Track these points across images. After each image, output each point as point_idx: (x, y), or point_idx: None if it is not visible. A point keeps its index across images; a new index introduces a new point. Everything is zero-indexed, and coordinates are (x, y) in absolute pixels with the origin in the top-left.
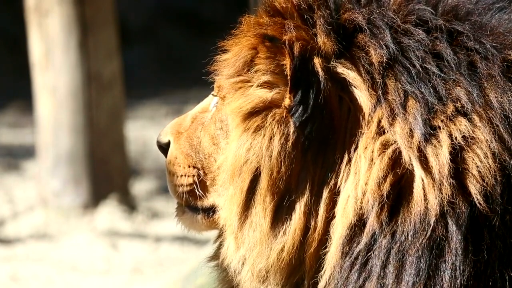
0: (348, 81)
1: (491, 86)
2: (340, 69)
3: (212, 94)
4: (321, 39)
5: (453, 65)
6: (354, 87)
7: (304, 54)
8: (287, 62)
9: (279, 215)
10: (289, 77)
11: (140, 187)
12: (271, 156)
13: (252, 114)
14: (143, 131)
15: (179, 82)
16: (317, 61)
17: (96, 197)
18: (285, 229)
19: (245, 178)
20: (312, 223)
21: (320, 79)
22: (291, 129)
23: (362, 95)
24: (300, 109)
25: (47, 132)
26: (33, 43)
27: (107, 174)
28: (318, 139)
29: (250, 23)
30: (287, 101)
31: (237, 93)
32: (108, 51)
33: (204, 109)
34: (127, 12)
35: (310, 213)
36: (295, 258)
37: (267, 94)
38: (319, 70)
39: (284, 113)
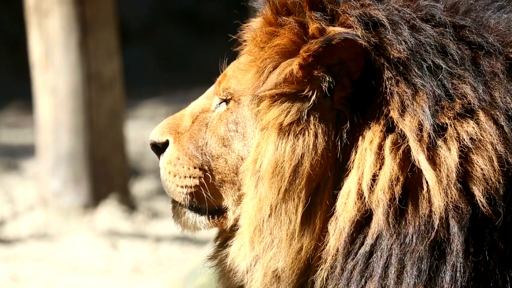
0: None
1: (495, 85)
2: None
3: (219, 98)
4: (356, 32)
5: (457, 60)
6: (373, 80)
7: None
8: (350, 54)
9: (306, 214)
10: (355, 71)
11: (140, 187)
12: (317, 152)
13: (291, 123)
14: (143, 131)
15: (179, 82)
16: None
17: (96, 197)
18: (307, 228)
19: (286, 177)
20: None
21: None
22: (337, 123)
23: (378, 87)
24: (358, 98)
25: (47, 132)
26: (33, 43)
27: (107, 174)
28: (346, 131)
29: (261, 29)
30: (347, 91)
31: (265, 102)
32: (108, 51)
33: (204, 109)
34: (127, 12)
35: (328, 210)
36: (310, 258)
37: (304, 102)
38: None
39: (321, 110)
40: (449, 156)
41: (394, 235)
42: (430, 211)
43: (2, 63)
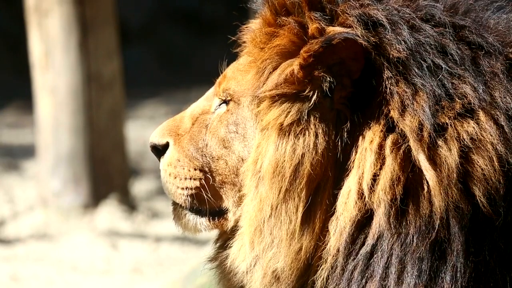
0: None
1: (495, 85)
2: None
3: (219, 99)
4: (356, 32)
5: (457, 59)
6: (373, 80)
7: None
8: (350, 54)
9: (306, 213)
10: (355, 70)
11: (140, 187)
12: (317, 152)
13: (291, 123)
14: (143, 131)
15: (179, 82)
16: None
17: (96, 197)
18: (307, 228)
19: (286, 177)
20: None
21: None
22: (338, 123)
23: (378, 87)
24: (358, 97)
25: (47, 132)
26: (33, 43)
27: (107, 174)
28: (347, 131)
29: (260, 29)
30: (348, 90)
31: (265, 103)
32: (108, 51)
33: (204, 110)
34: (127, 12)
35: (328, 210)
36: (310, 258)
37: (305, 102)
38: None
39: (322, 109)
40: (450, 156)
41: (395, 235)
42: (431, 211)
43: (2, 63)
